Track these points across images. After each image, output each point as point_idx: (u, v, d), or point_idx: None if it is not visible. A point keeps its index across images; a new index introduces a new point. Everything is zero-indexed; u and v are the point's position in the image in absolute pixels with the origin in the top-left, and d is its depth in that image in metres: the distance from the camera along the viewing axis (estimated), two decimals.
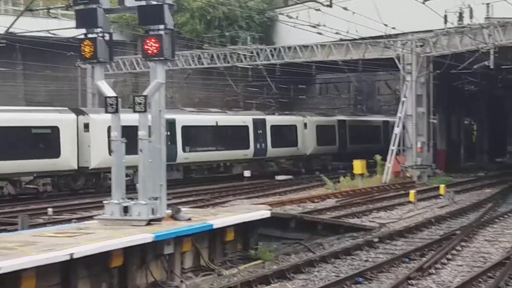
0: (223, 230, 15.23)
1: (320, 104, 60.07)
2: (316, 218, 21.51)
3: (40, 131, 31.16)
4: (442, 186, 30.49)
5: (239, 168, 41.55)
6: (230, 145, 40.66)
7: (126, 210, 14.32)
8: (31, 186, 30.78)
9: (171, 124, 35.43)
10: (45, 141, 31.39)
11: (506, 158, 60.63)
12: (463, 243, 18.38)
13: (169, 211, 14.94)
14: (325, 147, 47.85)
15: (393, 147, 37.52)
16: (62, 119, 31.76)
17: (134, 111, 14.31)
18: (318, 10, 27.22)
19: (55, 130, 31.31)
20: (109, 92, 14.79)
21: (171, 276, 13.80)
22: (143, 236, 12.76)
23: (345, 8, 28.32)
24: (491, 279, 14.09)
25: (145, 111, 14.30)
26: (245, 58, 43.53)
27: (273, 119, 44.16)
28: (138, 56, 42.71)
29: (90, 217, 19.16)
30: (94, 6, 14.52)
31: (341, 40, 36.30)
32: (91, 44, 14.51)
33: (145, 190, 14.35)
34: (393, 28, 33.17)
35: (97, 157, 31.93)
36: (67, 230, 13.85)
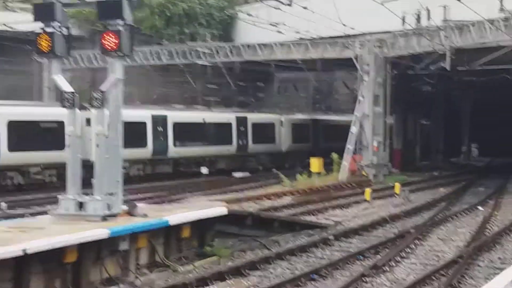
0: (179, 226, 15.23)
1: (279, 103, 60.18)
2: (272, 215, 21.58)
3: (48, 125, 32.43)
4: (397, 185, 30.79)
5: (223, 163, 43.10)
6: (215, 141, 42.22)
7: (81, 205, 14.24)
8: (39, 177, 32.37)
9: (163, 121, 37.86)
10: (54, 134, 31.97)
11: (461, 158, 61.48)
12: (417, 242, 18.63)
13: (125, 207, 14.89)
14: (300, 145, 49.02)
15: (349, 146, 37.80)
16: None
17: (91, 107, 14.23)
18: (278, 8, 27.33)
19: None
20: (66, 87, 14.69)
21: (126, 272, 13.77)
22: (98, 232, 12.71)
23: (305, 8, 28.50)
24: (444, 277, 14.31)
25: (102, 106, 14.23)
26: (205, 55, 43.47)
27: (254, 117, 45.50)
28: (96, 51, 42.35)
29: (45, 212, 18.96)
30: (52, 0, 14.41)
31: (301, 39, 36.49)
32: (48, 38, 14.41)
33: (101, 186, 14.30)
34: (352, 28, 33.43)
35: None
36: (21, 225, 13.71)
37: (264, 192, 32.09)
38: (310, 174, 35.23)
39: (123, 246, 13.43)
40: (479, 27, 31.73)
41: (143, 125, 36.97)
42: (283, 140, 47.78)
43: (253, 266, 15.26)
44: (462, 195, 32.05)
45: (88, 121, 32.24)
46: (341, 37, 36.93)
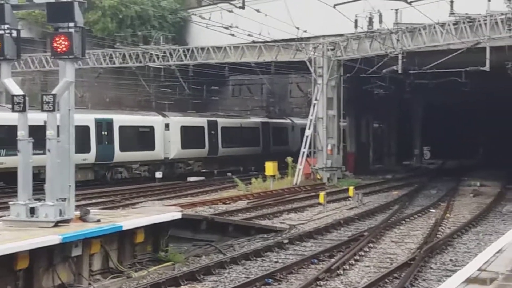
0: (133, 231, 15.07)
1: (233, 106, 60.27)
2: (227, 219, 21.52)
3: (144, 129, 40.15)
4: (351, 188, 31.00)
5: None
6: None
7: (32, 211, 13.99)
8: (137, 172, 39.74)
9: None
10: (146, 138, 40.10)
11: (413, 161, 62.21)
12: (370, 244, 18.73)
13: (77, 213, 14.69)
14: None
15: (304, 149, 37.95)
16: (156, 121, 40.91)
17: (42, 110, 14.00)
18: (231, 11, 27.30)
19: (151, 129, 40.47)
20: (16, 90, 14.43)
21: (79, 278, 13.56)
22: (50, 238, 12.50)
23: (257, 10, 28.52)
24: (397, 279, 14.41)
25: (53, 110, 14.00)
26: (158, 58, 43.25)
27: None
28: (47, 54, 41.75)
29: None
30: (1, 2, 14.15)
31: (254, 42, 36.52)
32: None
33: (53, 191, 14.05)
34: (305, 31, 33.57)
35: (174, 150, 40.92)
36: None
37: (219, 196, 32.05)
38: (265, 178, 35.27)
39: (76, 252, 13.24)
40: (430, 30, 32.16)
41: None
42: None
43: (207, 271, 15.18)
44: (415, 198, 32.41)
45: (167, 126, 41.15)
46: (294, 40, 37.08)
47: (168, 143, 41.29)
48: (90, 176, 36.92)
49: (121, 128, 38.37)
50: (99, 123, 37.04)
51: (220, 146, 46.53)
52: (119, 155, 38.17)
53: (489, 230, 22.01)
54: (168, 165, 42.00)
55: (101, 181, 37.47)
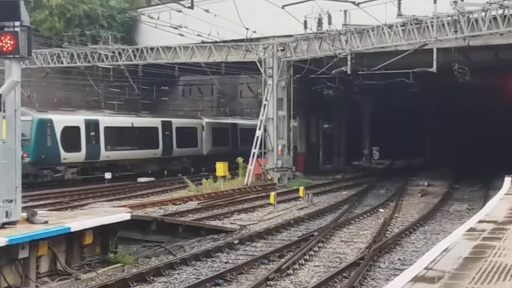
0: (81, 233, 14.89)
1: (184, 106, 60.08)
2: (177, 220, 21.43)
3: (190, 130, 48.47)
4: (301, 189, 31.08)
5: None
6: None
7: None
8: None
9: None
10: (192, 136, 48.47)
11: (362, 161, 62.76)
12: (320, 244, 18.86)
13: (24, 214, 14.47)
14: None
15: (254, 150, 38.01)
16: (199, 122, 49.55)
17: None
18: (180, 11, 27.19)
19: (195, 129, 48.91)
20: None
21: (26, 281, 13.35)
22: None
23: (206, 11, 28.46)
24: (346, 279, 14.52)
25: None
26: (107, 58, 42.86)
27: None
28: None
29: None
30: None
31: (204, 42, 36.46)
32: None
33: None
34: (254, 32, 33.63)
35: (207, 148, 48.89)
36: None
37: (169, 197, 31.92)
38: (215, 178, 35.22)
39: (23, 254, 13.04)
40: (378, 32, 32.50)
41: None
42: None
43: (157, 272, 15.10)
44: (364, 198, 32.72)
45: (203, 127, 49.27)
46: (244, 40, 37.11)
47: None
48: (157, 167, 45.19)
49: (177, 128, 46.86)
50: (164, 124, 45.64)
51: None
52: (176, 151, 46.65)
53: (436, 229, 22.35)
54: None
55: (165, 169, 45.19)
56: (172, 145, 46.29)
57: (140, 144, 43.21)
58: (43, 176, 36.49)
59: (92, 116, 40.33)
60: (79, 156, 38.54)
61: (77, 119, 38.93)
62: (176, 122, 47.36)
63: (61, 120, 37.56)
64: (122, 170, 41.94)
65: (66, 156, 37.50)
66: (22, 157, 35.49)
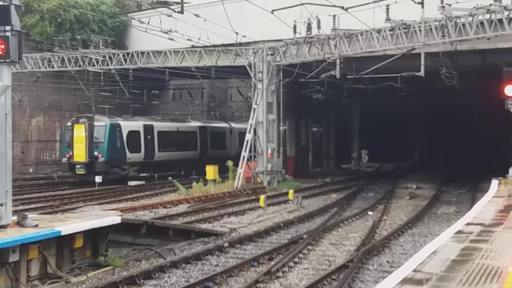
0: (71, 236, 14.99)
1: (174, 110, 60.14)
2: (167, 223, 21.54)
3: (220, 135, 52.44)
4: (291, 192, 31.21)
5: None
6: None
7: None
8: None
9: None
10: (222, 140, 52.43)
11: (351, 164, 62.96)
12: (309, 247, 18.98)
13: (15, 218, 14.54)
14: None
15: (244, 153, 38.11)
16: (227, 126, 53.83)
17: None
18: (170, 16, 27.26)
19: (224, 134, 53.21)
20: None
21: (16, 284, 13.43)
22: None
23: (196, 15, 28.52)
24: (335, 281, 14.66)
25: None
26: (97, 62, 42.88)
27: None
28: None
29: None
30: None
31: (194, 46, 36.53)
32: None
33: None
34: (244, 36, 33.74)
35: (234, 150, 50.27)
36: None
37: (160, 200, 31.97)
38: (205, 181, 35.30)
39: (13, 257, 13.11)
40: (367, 36, 32.65)
41: None
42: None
43: (147, 275, 15.19)
44: (353, 201, 32.87)
45: (230, 132, 53.51)
46: (233, 45, 37.21)
47: None
48: (196, 167, 46.33)
49: (211, 133, 51.51)
50: (201, 129, 50.59)
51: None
52: (210, 153, 49.87)
53: (424, 232, 22.50)
54: None
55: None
56: (207, 148, 50.76)
57: (184, 146, 48.04)
58: (114, 174, 40.95)
59: (148, 121, 45.39)
60: (139, 156, 43.35)
61: (138, 124, 44.07)
62: (210, 127, 52.14)
63: (126, 125, 42.58)
64: (169, 170, 45.61)
65: (130, 156, 42.43)
66: (97, 157, 38.97)
